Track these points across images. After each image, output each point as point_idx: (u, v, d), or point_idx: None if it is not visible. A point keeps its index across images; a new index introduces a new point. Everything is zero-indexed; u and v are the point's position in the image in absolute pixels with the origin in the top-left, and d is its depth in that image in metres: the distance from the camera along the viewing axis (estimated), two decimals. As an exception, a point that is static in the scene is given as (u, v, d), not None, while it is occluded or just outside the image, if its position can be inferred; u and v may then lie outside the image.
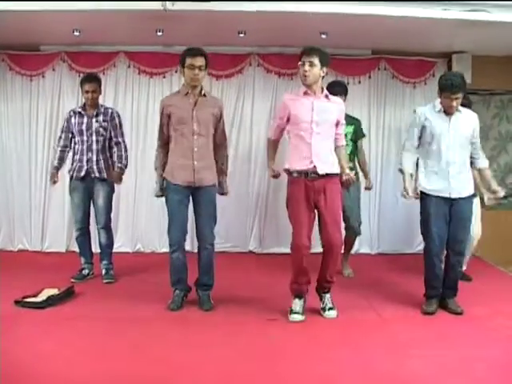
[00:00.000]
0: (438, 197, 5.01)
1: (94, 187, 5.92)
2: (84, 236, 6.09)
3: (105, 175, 5.90)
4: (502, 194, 5.14)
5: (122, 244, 7.35)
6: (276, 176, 5.08)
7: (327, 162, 4.87)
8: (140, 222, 7.42)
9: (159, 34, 6.29)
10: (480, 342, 4.38)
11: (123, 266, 6.32)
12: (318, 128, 4.82)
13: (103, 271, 6.03)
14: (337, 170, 4.94)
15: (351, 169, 5.58)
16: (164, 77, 7.28)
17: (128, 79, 7.32)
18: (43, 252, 7.34)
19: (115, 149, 5.99)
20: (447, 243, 5.08)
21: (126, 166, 6.03)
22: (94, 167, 5.85)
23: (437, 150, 4.98)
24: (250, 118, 7.45)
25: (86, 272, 6.04)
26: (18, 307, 4.98)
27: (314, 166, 4.80)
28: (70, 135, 5.95)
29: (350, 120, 6.04)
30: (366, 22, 5.81)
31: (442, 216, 5.02)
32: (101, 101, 6.12)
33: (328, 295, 5.07)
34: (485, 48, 6.99)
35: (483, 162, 5.20)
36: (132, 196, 7.35)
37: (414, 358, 4.07)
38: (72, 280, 5.84)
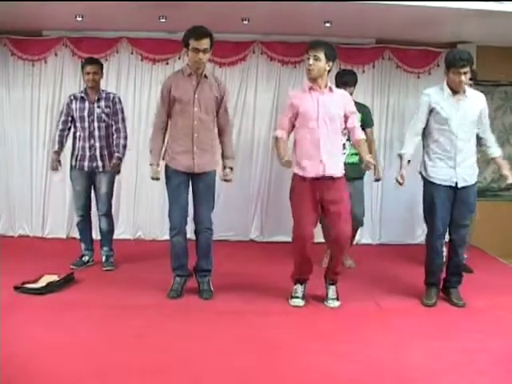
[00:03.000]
0: (444, 185, 4.99)
1: (96, 175, 5.89)
2: (85, 222, 6.08)
3: (107, 163, 5.86)
4: (510, 180, 5.04)
5: (122, 231, 7.35)
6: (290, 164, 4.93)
7: (337, 162, 4.89)
8: (141, 209, 7.41)
9: (162, 20, 6.25)
10: (481, 334, 4.36)
11: (124, 254, 6.32)
12: (326, 125, 4.81)
13: (103, 258, 6.03)
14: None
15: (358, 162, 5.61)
16: (167, 63, 7.23)
17: (131, 65, 7.28)
18: (44, 238, 7.34)
19: (115, 135, 5.94)
20: (450, 228, 5.07)
21: (123, 155, 5.97)
22: (97, 154, 5.82)
23: (444, 136, 4.92)
24: (252, 105, 7.41)
25: (85, 259, 6.03)
26: (17, 293, 4.99)
27: (324, 169, 4.79)
28: (70, 119, 5.88)
29: (358, 107, 5.97)
30: (371, 11, 5.77)
31: (446, 203, 4.99)
32: (103, 87, 6.08)
33: (333, 287, 5.08)
34: (490, 38, 6.94)
35: (497, 151, 5.12)
36: (133, 183, 7.33)
37: (414, 349, 4.07)
38: (72, 266, 5.83)
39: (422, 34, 6.89)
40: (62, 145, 5.97)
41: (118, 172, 6.01)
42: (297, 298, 4.99)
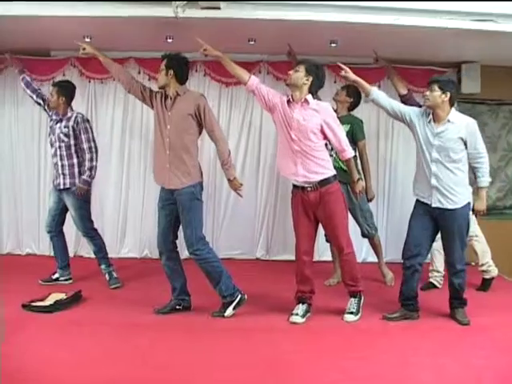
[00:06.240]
0: (422, 201, 5.00)
1: (62, 194, 5.93)
2: (55, 239, 6.11)
3: (68, 183, 5.86)
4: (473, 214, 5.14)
5: (129, 250, 7.38)
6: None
7: (314, 172, 4.90)
8: (147, 227, 7.37)
9: (169, 40, 6.30)
10: (486, 351, 4.37)
11: (130, 272, 6.35)
12: (299, 138, 4.89)
13: (106, 276, 6.01)
14: (328, 175, 4.94)
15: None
16: (174, 83, 7.28)
17: (138, 85, 7.31)
18: (51, 256, 7.32)
19: (83, 158, 5.92)
20: (446, 261, 5.09)
21: (89, 177, 5.85)
22: (60, 172, 5.87)
23: (421, 157, 4.97)
24: (258, 125, 7.45)
25: (55, 276, 6.07)
26: (25, 311, 5.02)
27: (299, 180, 4.93)
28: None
29: (348, 118, 5.99)
30: (376, 31, 5.81)
31: (423, 220, 4.99)
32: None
33: (354, 299, 5.12)
34: (494, 58, 6.97)
35: (483, 182, 4.97)
36: (140, 202, 7.36)
37: (419, 365, 4.08)
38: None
39: (426, 54, 6.94)
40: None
41: (82, 195, 5.87)
42: (296, 315, 5.00)
